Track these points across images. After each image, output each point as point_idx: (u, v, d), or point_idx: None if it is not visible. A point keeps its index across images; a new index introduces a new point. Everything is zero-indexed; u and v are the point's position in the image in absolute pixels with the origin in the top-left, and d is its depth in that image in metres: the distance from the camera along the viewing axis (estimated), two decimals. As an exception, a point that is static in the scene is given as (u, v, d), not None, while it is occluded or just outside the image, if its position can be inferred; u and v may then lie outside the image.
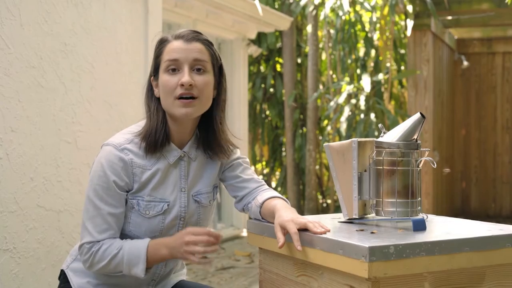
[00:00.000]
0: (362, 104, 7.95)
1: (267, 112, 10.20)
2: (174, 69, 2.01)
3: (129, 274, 2.02)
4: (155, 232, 2.07)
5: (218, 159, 2.17)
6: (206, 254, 1.96)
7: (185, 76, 1.99)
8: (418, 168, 2.02)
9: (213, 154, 2.15)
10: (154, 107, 2.06)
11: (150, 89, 2.11)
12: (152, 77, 2.09)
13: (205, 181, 2.15)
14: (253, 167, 10.50)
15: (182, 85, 1.99)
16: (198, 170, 2.14)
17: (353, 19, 8.60)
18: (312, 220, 1.89)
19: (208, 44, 2.08)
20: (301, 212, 8.70)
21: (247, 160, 2.27)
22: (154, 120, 2.05)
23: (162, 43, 2.06)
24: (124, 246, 2.00)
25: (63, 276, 2.19)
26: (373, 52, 9.00)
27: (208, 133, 2.13)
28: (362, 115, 7.99)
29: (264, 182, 2.24)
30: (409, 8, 7.67)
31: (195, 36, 2.05)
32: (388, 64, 8.40)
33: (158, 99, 2.07)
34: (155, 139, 2.03)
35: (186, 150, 2.10)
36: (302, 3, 8.63)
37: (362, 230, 1.90)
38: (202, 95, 2.02)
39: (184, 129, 2.09)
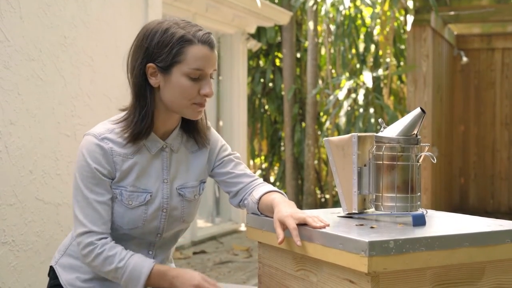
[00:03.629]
0: (361, 99, 7.95)
1: (266, 107, 10.20)
2: (197, 76, 1.98)
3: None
4: (138, 223, 2.06)
5: (202, 147, 2.16)
6: None
7: (210, 88, 1.99)
8: (418, 163, 2.02)
9: (199, 149, 2.15)
10: (150, 98, 2.01)
11: (143, 75, 2.01)
12: (151, 65, 1.99)
13: (191, 175, 2.14)
14: (251, 162, 10.50)
15: (205, 95, 1.99)
16: (182, 163, 2.13)
17: (353, 14, 8.60)
18: (311, 215, 1.88)
19: None
20: (299, 207, 8.69)
21: (238, 155, 2.25)
22: (149, 112, 2.00)
23: (184, 42, 1.97)
24: (128, 263, 1.98)
25: (52, 273, 2.17)
26: (372, 47, 9.00)
27: (191, 123, 2.12)
28: (361, 110, 7.99)
29: (257, 176, 2.23)
30: (410, 3, 7.67)
31: (214, 41, 2.02)
32: (387, 60, 8.40)
33: (152, 88, 2.02)
34: (140, 129, 2.01)
35: (168, 142, 2.09)
36: (302, -2, 8.63)
37: (361, 224, 1.90)
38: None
39: (172, 122, 2.08)
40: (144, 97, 2.01)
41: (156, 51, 1.98)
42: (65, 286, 2.11)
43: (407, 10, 7.86)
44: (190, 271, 2.00)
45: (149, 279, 1.98)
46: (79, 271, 2.12)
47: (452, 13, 8.47)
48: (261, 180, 2.22)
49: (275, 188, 2.12)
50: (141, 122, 2.01)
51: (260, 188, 2.12)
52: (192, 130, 2.14)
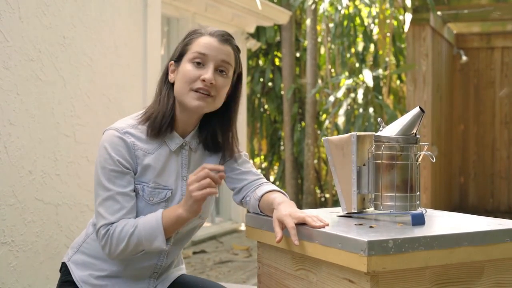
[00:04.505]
0: (360, 98, 7.95)
1: (266, 106, 10.20)
2: (199, 62, 2.03)
3: (151, 250, 2.02)
4: None
5: (227, 157, 2.19)
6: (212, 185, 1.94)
7: (209, 73, 2.02)
8: (417, 162, 2.02)
9: (215, 151, 2.18)
10: (165, 92, 2.08)
11: (166, 73, 2.12)
12: (171, 62, 2.10)
13: None
14: (251, 161, 10.49)
15: (203, 80, 2.02)
16: (199, 161, 2.16)
17: (352, 14, 8.59)
18: (310, 214, 1.89)
19: (237, 50, 2.13)
20: (299, 206, 8.69)
21: (246, 154, 2.29)
22: (163, 104, 2.06)
23: (194, 34, 2.08)
24: (138, 223, 1.99)
25: (64, 269, 2.19)
26: (372, 46, 8.99)
27: (214, 132, 2.16)
28: (360, 110, 7.99)
29: (262, 176, 2.25)
30: (408, 2, 7.67)
31: (228, 39, 2.09)
32: (387, 59, 8.39)
33: (172, 85, 2.08)
34: (160, 124, 2.05)
35: (188, 140, 2.11)
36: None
37: (361, 224, 1.90)
38: (217, 95, 2.06)
39: (189, 120, 2.11)
40: (161, 91, 2.09)
41: (175, 50, 2.11)
42: (78, 283, 2.13)
43: (405, 9, 7.86)
44: (185, 199, 1.98)
45: (163, 223, 1.99)
46: (92, 268, 2.13)
47: (451, 12, 8.47)
48: (265, 179, 2.23)
49: (278, 188, 2.13)
50: (162, 117, 2.05)
51: (263, 187, 2.14)
52: (222, 147, 2.18)
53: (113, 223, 2.00)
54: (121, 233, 1.98)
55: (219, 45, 2.05)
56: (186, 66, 2.04)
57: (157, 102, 2.08)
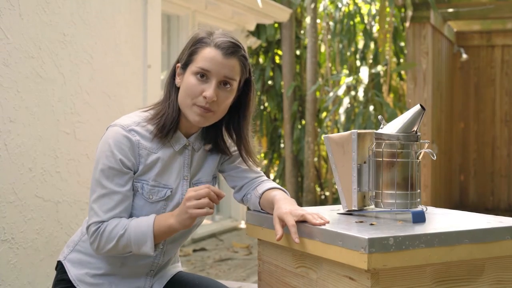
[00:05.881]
0: (360, 96, 7.94)
1: (266, 104, 10.19)
2: (203, 75, 2.01)
3: (138, 253, 2.02)
4: None
5: (249, 162, 2.19)
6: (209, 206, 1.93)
7: (210, 91, 1.99)
8: (418, 160, 2.01)
9: (216, 152, 2.19)
10: (174, 95, 2.07)
11: (173, 75, 2.11)
12: (178, 65, 2.09)
13: (206, 171, 2.17)
14: (251, 159, 10.45)
15: (205, 97, 2.00)
16: (200, 160, 2.16)
17: (352, 12, 8.59)
18: (311, 212, 1.88)
19: (244, 60, 2.07)
20: (299, 204, 8.67)
21: None
22: (172, 108, 2.06)
23: (199, 42, 2.04)
24: (129, 226, 1.99)
25: (60, 267, 2.19)
26: (372, 44, 8.98)
27: (218, 137, 2.16)
28: (360, 107, 7.99)
29: (263, 173, 2.25)
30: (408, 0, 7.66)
31: (235, 50, 2.03)
32: (387, 57, 8.39)
33: (178, 88, 2.07)
34: (169, 127, 2.04)
35: (191, 140, 2.11)
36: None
37: (361, 221, 1.90)
38: (219, 109, 2.05)
39: (193, 125, 2.10)
40: (170, 95, 2.08)
41: (182, 53, 2.09)
42: (74, 282, 2.13)
43: (406, 7, 7.85)
44: (180, 211, 1.97)
45: (154, 230, 1.99)
46: (88, 267, 2.13)
47: (451, 10, 8.46)
48: (265, 176, 2.23)
49: (278, 186, 2.13)
50: (170, 121, 2.05)
51: (264, 184, 2.14)
52: (240, 154, 2.17)
53: (104, 221, 2.00)
54: (111, 233, 1.99)
55: (223, 59, 2.01)
56: (190, 79, 2.02)
57: (167, 105, 2.07)
